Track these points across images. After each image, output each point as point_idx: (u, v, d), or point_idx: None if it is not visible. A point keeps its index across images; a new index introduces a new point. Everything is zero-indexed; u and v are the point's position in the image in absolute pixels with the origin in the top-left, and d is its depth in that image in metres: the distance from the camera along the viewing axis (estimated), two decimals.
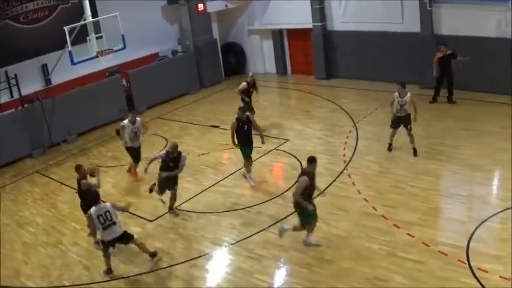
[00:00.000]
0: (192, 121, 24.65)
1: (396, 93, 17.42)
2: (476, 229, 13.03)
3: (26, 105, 22.77)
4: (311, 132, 21.45)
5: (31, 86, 23.21)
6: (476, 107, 21.48)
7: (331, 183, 16.66)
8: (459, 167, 16.67)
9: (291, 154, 19.26)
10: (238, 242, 14.19)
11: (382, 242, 13.18)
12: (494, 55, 21.60)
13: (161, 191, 15.82)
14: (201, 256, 13.74)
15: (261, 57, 31.64)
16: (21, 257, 14.91)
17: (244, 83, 21.21)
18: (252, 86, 21.24)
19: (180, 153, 15.27)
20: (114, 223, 12.84)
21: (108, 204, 12.96)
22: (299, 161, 18.50)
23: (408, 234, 13.33)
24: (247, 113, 17.20)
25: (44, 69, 23.86)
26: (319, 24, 27.54)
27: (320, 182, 16.14)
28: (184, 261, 13.56)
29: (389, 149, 18.29)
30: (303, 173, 12.79)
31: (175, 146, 15.20)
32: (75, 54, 21.66)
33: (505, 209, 13.74)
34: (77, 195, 15.25)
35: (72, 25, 21.77)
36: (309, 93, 27.02)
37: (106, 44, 22.82)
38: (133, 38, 24.44)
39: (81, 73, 24.47)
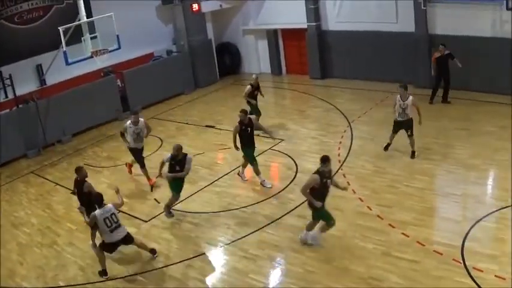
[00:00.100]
0: (187, 121, 24.65)
1: (398, 96, 17.38)
2: (471, 228, 13.07)
3: (20, 106, 22.72)
4: (306, 132, 21.48)
5: (26, 86, 23.14)
6: (470, 106, 21.54)
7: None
8: (454, 166, 16.71)
9: (286, 154, 19.27)
10: (233, 242, 14.18)
11: (377, 241, 13.20)
12: (488, 55, 21.70)
13: (177, 192, 15.48)
14: (196, 256, 13.73)
15: (256, 57, 31.68)
16: (16, 257, 14.87)
17: (248, 86, 21.15)
18: (257, 88, 21.21)
19: (185, 155, 15.05)
20: (119, 225, 12.97)
21: (111, 206, 12.97)
22: (294, 160, 18.53)
23: (403, 233, 13.36)
24: (249, 115, 17.13)
25: (39, 69, 23.80)
26: (314, 24, 27.60)
27: None
28: (180, 262, 13.55)
29: (386, 148, 18.28)
30: (316, 171, 12.73)
31: (179, 148, 14.95)
32: (69, 55, 21.62)
33: (500, 208, 13.79)
34: (72, 195, 15.24)
35: (66, 25, 21.72)
36: (304, 93, 27.05)
37: (101, 44, 22.75)
38: (128, 38, 24.43)
39: (75, 73, 24.41)
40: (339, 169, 17.43)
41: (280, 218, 14.98)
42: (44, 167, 21.39)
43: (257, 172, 17.15)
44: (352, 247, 13.16)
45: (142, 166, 18.00)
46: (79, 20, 23.26)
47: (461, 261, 11.88)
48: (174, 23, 29.69)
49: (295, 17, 27.90)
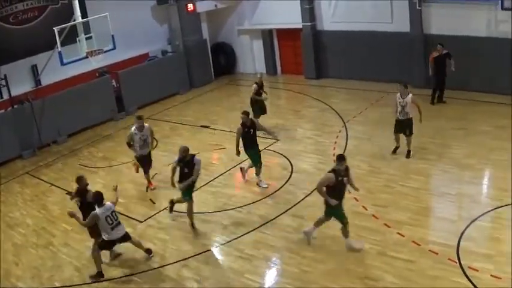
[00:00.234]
0: (182, 121, 24.63)
1: (398, 94, 17.37)
2: (466, 228, 13.10)
3: (15, 106, 22.70)
4: (301, 132, 21.49)
5: (21, 86, 23.11)
6: (467, 106, 21.59)
7: None
8: (450, 166, 16.75)
9: (281, 154, 19.28)
10: (229, 242, 14.19)
11: (373, 241, 13.22)
12: (484, 54, 21.74)
13: (190, 197, 14.92)
14: (192, 256, 13.73)
15: (251, 57, 31.67)
16: (11, 258, 14.85)
17: (254, 85, 21.10)
18: (261, 86, 21.25)
19: (193, 156, 14.62)
20: (119, 222, 13.04)
21: (110, 203, 12.98)
22: (289, 160, 18.54)
23: (398, 233, 13.38)
24: (251, 117, 17.05)
25: (34, 70, 23.75)
26: (309, 24, 27.61)
27: (310, 182, 16.28)
28: (175, 262, 13.56)
29: (395, 151, 18.04)
30: (331, 170, 12.64)
31: (186, 149, 14.50)
32: (65, 55, 21.57)
33: (495, 208, 13.83)
34: (66, 196, 15.19)
35: (62, 26, 21.69)
36: (299, 93, 27.06)
37: (96, 44, 22.74)
38: (123, 39, 24.43)
39: (71, 74, 24.35)
40: None
41: (275, 218, 15.00)
42: (39, 168, 21.35)
43: (257, 173, 17.16)
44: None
45: (146, 172, 17.76)
46: (74, 20, 23.18)
47: (457, 261, 11.91)
48: (169, 23, 29.67)
49: (290, 17, 27.90)
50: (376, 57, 25.68)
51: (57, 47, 21.41)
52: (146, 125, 17.38)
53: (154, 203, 16.73)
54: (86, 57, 22.55)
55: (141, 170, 17.98)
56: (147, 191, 17.58)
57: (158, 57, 29.18)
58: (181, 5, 28.58)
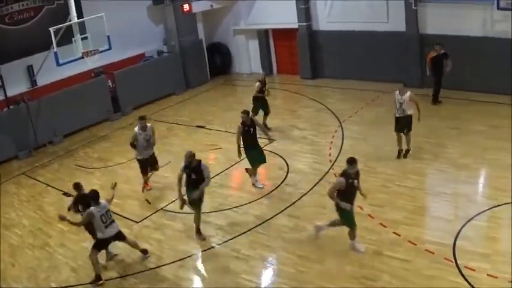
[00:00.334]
0: (178, 121, 24.62)
1: (397, 92, 17.34)
2: (462, 227, 13.12)
3: (11, 107, 22.67)
4: (297, 132, 21.47)
5: (16, 87, 23.07)
6: (462, 106, 21.61)
7: (317, 182, 16.70)
8: (445, 165, 16.77)
9: (277, 154, 19.26)
10: (225, 242, 14.20)
11: (369, 241, 13.23)
12: (480, 54, 21.76)
13: (198, 210, 14.56)
14: (188, 257, 13.74)
15: (247, 57, 31.65)
16: (8, 259, 14.81)
17: (258, 83, 21.11)
18: (264, 84, 21.26)
19: (199, 161, 14.05)
20: (113, 220, 13.06)
21: (105, 202, 13.00)
22: (285, 161, 18.54)
23: (395, 233, 13.40)
24: (251, 116, 16.99)
25: (30, 70, 23.71)
26: (305, 24, 27.60)
27: (306, 182, 16.31)
28: (172, 262, 13.56)
29: (399, 155, 17.78)
30: (341, 173, 12.52)
31: (192, 155, 13.89)
32: (60, 55, 21.54)
33: (491, 207, 13.86)
34: (63, 196, 15.16)
35: (57, 26, 21.64)
36: (295, 93, 27.07)
37: (91, 44, 22.74)
38: (119, 39, 24.45)
39: (66, 74, 24.32)
40: (330, 169, 17.47)
41: (271, 218, 15.00)
42: (35, 168, 21.30)
43: (254, 173, 17.11)
44: (344, 247, 13.15)
45: (145, 174, 17.64)
46: (70, 21, 23.11)
47: (453, 260, 11.94)
48: (165, 23, 29.64)
49: (286, 17, 27.88)
50: (372, 57, 25.69)
51: (53, 48, 21.36)
52: (149, 124, 17.34)
53: (150, 203, 16.72)
54: (82, 57, 22.54)
55: (152, 177, 18.03)
56: (143, 191, 17.55)
57: (154, 58, 29.17)
58: (177, 5, 28.53)
